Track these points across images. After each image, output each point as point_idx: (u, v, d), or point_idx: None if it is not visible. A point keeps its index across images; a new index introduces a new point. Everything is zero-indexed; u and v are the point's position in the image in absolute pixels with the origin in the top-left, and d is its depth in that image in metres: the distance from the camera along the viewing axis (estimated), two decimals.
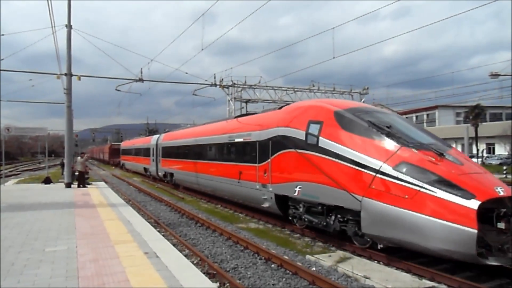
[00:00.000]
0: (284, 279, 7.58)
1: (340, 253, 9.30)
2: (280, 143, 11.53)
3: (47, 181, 22.89)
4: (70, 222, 10.50)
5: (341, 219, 9.45)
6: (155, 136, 30.99)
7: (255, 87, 33.77)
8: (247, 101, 33.98)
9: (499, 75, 28.85)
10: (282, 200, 11.76)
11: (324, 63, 20.26)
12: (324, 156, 9.50)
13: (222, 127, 17.07)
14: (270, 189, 12.09)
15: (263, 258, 9.04)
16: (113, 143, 66.47)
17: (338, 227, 9.56)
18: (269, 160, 12.10)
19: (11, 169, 49.84)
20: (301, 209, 10.83)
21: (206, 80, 26.27)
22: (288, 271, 8.03)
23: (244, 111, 32.52)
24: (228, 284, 7.17)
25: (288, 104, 14.60)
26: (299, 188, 10.50)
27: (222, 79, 28.63)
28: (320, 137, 9.72)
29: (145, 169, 33.51)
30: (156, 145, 29.04)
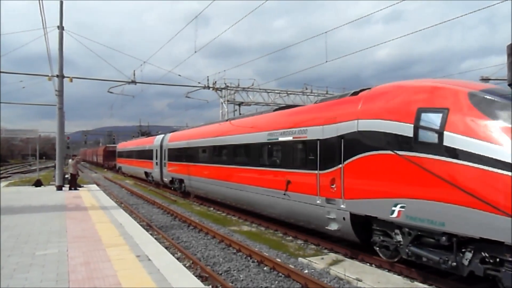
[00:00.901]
0: (276, 282, 7.58)
1: (332, 255, 9.33)
2: (360, 142, 8.29)
3: (38, 183, 22.66)
4: (61, 225, 10.40)
5: (488, 260, 6.22)
6: (159, 137, 27.33)
7: (248, 89, 33.78)
8: (240, 104, 34.03)
9: (490, 79, 29.22)
10: (361, 222, 8.51)
11: (317, 66, 20.25)
12: (455, 160, 6.39)
13: (257, 123, 13.64)
14: (342, 206, 8.70)
15: (255, 261, 9.03)
16: (107, 145, 63.50)
17: (482, 272, 6.27)
18: (340, 165, 8.74)
19: (1, 172, 49.23)
20: (400, 238, 7.57)
21: (199, 83, 26.23)
22: (280, 274, 8.02)
23: (237, 114, 32.53)
24: (220, 287, 7.14)
25: (330, 96, 11.91)
26: (401, 207, 7.22)
27: (215, 82, 28.61)
28: (446, 132, 6.61)
29: (146, 174, 30.15)
30: (161, 146, 25.42)
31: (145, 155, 30.04)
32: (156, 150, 26.34)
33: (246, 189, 13.37)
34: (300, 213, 10.55)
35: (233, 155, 14.86)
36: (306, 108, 12.09)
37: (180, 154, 21.33)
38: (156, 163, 26.29)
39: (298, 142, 10.64)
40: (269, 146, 12.30)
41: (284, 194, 10.94)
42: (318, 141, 9.63)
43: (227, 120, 17.91)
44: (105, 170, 55.32)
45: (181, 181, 21.44)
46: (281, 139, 11.45)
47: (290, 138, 11.00)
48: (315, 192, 9.62)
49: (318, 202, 9.56)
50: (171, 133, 25.24)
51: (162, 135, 26.62)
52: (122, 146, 45.39)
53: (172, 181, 23.31)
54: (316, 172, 9.63)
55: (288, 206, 10.99)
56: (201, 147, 18.24)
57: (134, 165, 35.00)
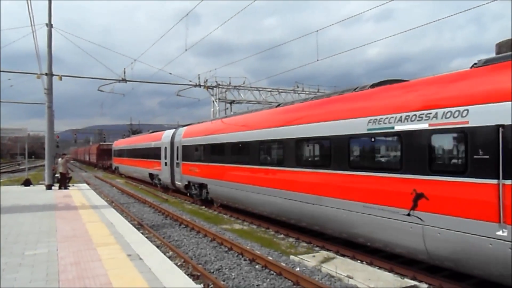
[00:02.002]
0: (268, 280, 7.60)
1: (324, 253, 9.37)
2: None
3: (27, 183, 22.39)
4: (51, 224, 10.29)
5: None
6: (168, 132, 23.21)
7: (239, 88, 33.75)
8: (231, 102, 33.99)
9: None
10: None
11: (308, 65, 20.29)
12: None
13: (348, 106, 9.09)
14: None
15: (247, 259, 9.04)
16: (101, 143, 58.17)
17: None
18: None
19: None
20: None
21: (190, 81, 26.18)
22: (272, 272, 8.05)
23: (228, 112, 32.50)
24: (212, 286, 7.15)
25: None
26: None
27: (207, 80, 28.54)
28: None
29: (152, 176, 26.04)
30: (171, 143, 21.35)
31: (149, 154, 25.95)
32: (165, 148, 22.19)
33: (322, 203, 9.25)
34: (456, 253, 6.37)
35: (296, 154, 10.53)
36: (446, 76, 7.23)
37: (202, 153, 16.93)
38: (165, 163, 22.14)
39: (445, 130, 6.56)
40: (372, 138, 8.07)
41: (409, 215, 7.01)
42: (502, 129, 5.70)
43: (278, 106, 13.15)
44: (95, 169, 54.67)
45: (202, 186, 17.06)
46: (403, 127, 7.28)
47: (423, 125, 6.91)
48: (493, 217, 5.73)
49: (498, 233, 5.68)
50: (186, 127, 20.40)
51: (173, 130, 22.43)
52: (120, 144, 40.20)
53: (188, 186, 18.85)
54: (494, 181, 5.75)
55: (419, 239, 6.86)
56: (238, 143, 13.81)
57: (135, 165, 30.55)
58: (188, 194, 19.40)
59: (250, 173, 12.79)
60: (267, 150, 12.35)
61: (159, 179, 24.15)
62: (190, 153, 18.39)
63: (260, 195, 12.08)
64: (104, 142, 61.10)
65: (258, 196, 12.23)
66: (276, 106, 13.17)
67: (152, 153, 25.15)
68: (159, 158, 23.37)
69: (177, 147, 20.27)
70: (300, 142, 10.49)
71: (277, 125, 11.59)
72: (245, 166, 13.14)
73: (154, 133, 27.45)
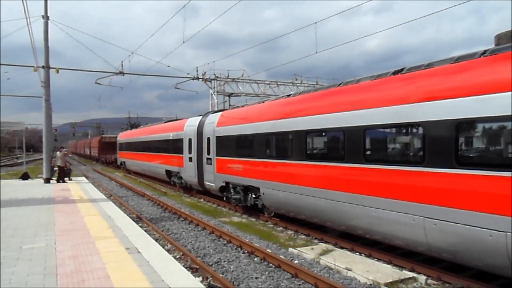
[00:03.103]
0: (267, 272, 7.60)
1: (322, 245, 9.38)
2: None
3: (25, 176, 22.35)
4: (49, 218, 10.27)
5: None
6: (193, 120, 18.64)
7: (238, 80, 33.59)
8: (230, 95, 33.86)
9: None
10: None
11: (307, 57, 20.20)
12: None
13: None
14: None
15: (246, 251, 9.04)
16: (104, 135, 54.51)
17: None
18: None
19: None
20: None
21: (188, 74, 26.02)
22: (271, 264, 8.05)
23: (227, 105, 32.39)
24: (211, 278, 7.14)
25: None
26: None
27: (205, 73, 28.36)
28: None
29: (169, 173, 21.99)
30: (199, 134, 17.05)
31: (167, 147, 21.94)
32: (190, 139, 18.19)
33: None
34: None
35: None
36: None
37: (251, 145, 12.78)
38: (190, 158, 18.06)
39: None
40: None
41: None
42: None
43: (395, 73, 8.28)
44: (94, 162, 54.44)
45: (248, 189, 13.14)
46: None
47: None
48: None
49: None
50: (221, 113, 16.13)
51: (198, 118, 18.20)
52: (127, 136, 35.67)
53: (224, 188, 14.86)
54: None
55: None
56: (321, 131, 9.65)
57: (147, 160, 26.21)
58: (224, 199, 15.22)
59: (342, 174, 8.67)
60: (382, 141, 8.29)
61: (180, 178, 19.99)
62: (229, 145, 14.17)
63: (363, 208, 8.02)
64: (103, 135, 59.15)
65: (357, 210, 8.18)
66: (393, 73, 8.30)
67: (171, 146, 21.06)
68: (180, 152, 19.24)
69: (208, 138, 16.00)
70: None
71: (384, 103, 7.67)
72: (332, 164, 9.04)
73: (173, 122, 23.30)
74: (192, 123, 18.51)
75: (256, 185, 12.35)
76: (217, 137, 15.24)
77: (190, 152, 18.12)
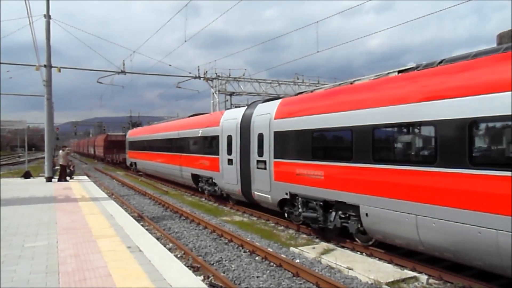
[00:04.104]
0: (268, 271, 7.61)
1: (323, 244, 9.38)
2: None
3: (27, 175, 22.39)
4: (51, 216, 10.29)
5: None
6: (233, 112, 15.13)
7: (239, 79, 33.58)
8: (231, 94, 33.86)
9: None
10: None
11: (308, 56, 20.15)
12: None
13: None
14: None
15: (247, 250, 9.05)
16: (109, 133, 51.74)
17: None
18: None
19: None
20: None
21: (190, 73, 26.05)
22: (272, 263, 8.06)
23: (228, 104, 32.41)
24: (212, 277, 7.16)
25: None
26: None
27: (206, 72, 28.38)
28: None
29: (197, 178, 18.09)
30: (244, 129, 13.34)
31: (195, 146, 18.20)
32: (229, 136, 14.36)
33: None
34: None
35: None
36: None
37: (347, 144, 8.88)
38: (230, 160, 14.31)
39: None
40: None
41: None
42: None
43: None
44: (95, 161, 54.37)
45: (330, 205, 9.53)
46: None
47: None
48: None
49: None
50: (280, 101, 12.09)
51: (240, 109, 14.44)
52: (138, 133, 31.73)
53: (286, 201, 11.25)
54: None
55: None
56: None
57: (166, 162, 22.47)
58: (286, 215, 11.54)
59: None
60: None
61: (213, 184, 16.20)
62: (299, 144, 10.48)
63: None
64: (108, 133, 57.85)
65: None
66: None
67: (200, 145, 17.45)
68: (215, 152, 15.57)
69: (260, 135, 12.26)
70: None
71: None
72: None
73: (203, 116, 19.52)
74: (232, 116, 14.71)
75: (351, 202, 8.55)
76: (276, 133, 11.42)
77: (229, 152, 14.26)
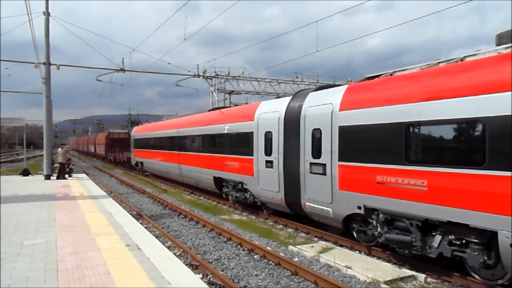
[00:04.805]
0: (267, 270, 7.62)
1: (322, 243, 9.40)
2: None
3: (26, 173, 22.37)
4: (50, 214, 10.29)
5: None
6: (274, 103, 12.48)
7: (238, 78, 33.55)
8: (230, 92, 33.85)
9: None
10: None
11: (307, 56, 20.12)
12: None
13: None
14: None
15: (246, 249, 9.06)
16: (111, 131, 48.16)
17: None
18: None
19: None
20: None
21: (189, 71, 25.99)
22: (271, 262, 8.07)
23: (227, 103, 32.39)
24: (211, 275, 7.16)
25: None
26: None
27: (206, 70, 28.36)
28: None
29: (220, 181, 15.51)
30: (290, 124, 10.97)
31: (219, 144, 15.60)
32: (269, 134, 11.88)
33: None
34: None
35: None
36: None
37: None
38: (269, 162, 11.79)
39: None
40: None
41: None
42: None
43: None
44: (94, 159, 54.19)
45: (433, 226, 7.09)
46: None
47: None
48: None
49: None
50: (345, 87, 9.51)
51: (284, 100, 11.98)
52: (145, 130, 28.91)
53: (356, 217, 8.81)
54: None
55: None
56: None
57: (181, 162, 19.84)
58: (355, 234, 8.98)
59: None
60: None
61: (244, 190, 13.47)
62: (382, 142, 7.85)
63: None
64: (110, 130, 56.48)
65: None
66: None
67: (227, 144, 14.78)
68: (247, 152, 13.04)
69: (316, 131, 9.76)
70: None
71: None
72: None
73: (229, 109, 16.85)
74: (271, 108, 12.17)
75: (478, 224, 6.16)
76: (342, 128, 8.84)
77: (268, 152, 11.83)
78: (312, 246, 9.07)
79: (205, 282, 6.63)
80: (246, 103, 13.91)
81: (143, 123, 37.01)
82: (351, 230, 9.04)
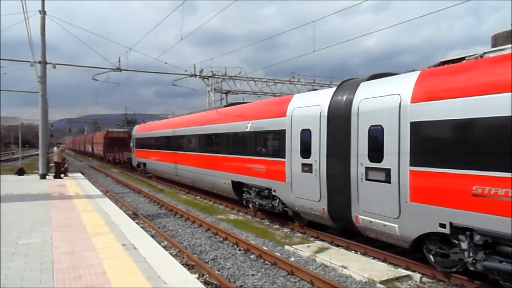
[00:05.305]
0: (263, 270, 7.63)
1: (318, 243, 9.42)
2: None
3: (21, 172, 22.26)
4: (45, 214, 10.25)
5: None
6: (312, 96, 10.51)
7: (235, 78, 33.56)
8: (227, 92, 33.85)
9: None
10: None
11: (304, 56, 20.10)
12: None
13: None
14: None
15: (242, 249, 9.07)
16: (110, 130, 46.26)
17: None
18: None
19: None
20: None
21: (186, 71, 25.95)
22: (267, 262, 8.08)
23: (224, 102, 32.36)
24: (207, 275, 7.16)
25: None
26: None
27: (202, 70, 28.34)
28: None
29: (240, 187, 13.54)
30: (335, 120, 9.17)
31: (240, 143, 13.46)
32: (307, 131, 10.07)
33: None
34: None
35: None
36: None
37: None
38: (307, 166, 10.01)
39: None
40: None
41: None
42: None
43: None
44: (90, 158, 54.00)
45: None
46: None
47: None
48: None
49: None
50: (419, 73, 7.55)
51: (325, 91, 10.29)
52: (149, 128, 26.85)
53: (443, 238, 6.84)
54: None
55: None
56: None
57: (192, 164, 17.80)
58: (432, 259, 7.22)
59: None
60: None
61: (272, 197, 11.53)
62: (486, 141, 6.06)
63: None
64: (99, 130, 55.94)
65: None
66: None
67: (248, 143, 12.83)
68: (275, 152, 11.28)
69: (374, 129, 8.07)
70: None
71: None
72: None
73: (253, 104, 15.00)
74: (308, 102, 10.29)
75: None
76: (418, 124, 7.10)
77: (306, 154, 9.98)
78: (308, 246, 9.08)
79: (201, 282, 6.62)
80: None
81: (139, 122, 36.84)
82: (425, 253, 7.29)
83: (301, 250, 8.75)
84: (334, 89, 9.74)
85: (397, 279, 7.02)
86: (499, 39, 7.17)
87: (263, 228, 11.46)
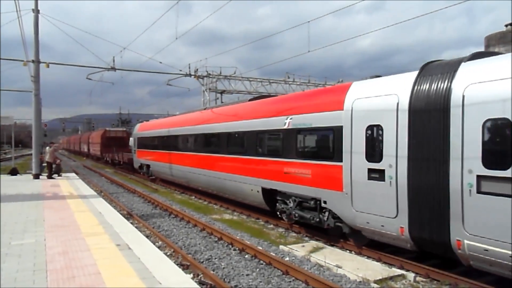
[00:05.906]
0: (258, 269, 7.63)
1: (313, 243, 9.44)
2: None
3: (14, 172, 22.09)
4: (38, 214, 10.18)
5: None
6: (391, 80, 8.07)
7: (230, 78, 33.55)
8: (222, 92, 33.81)
9: None
10: None
11: (299, 56, 20.09)
12: None
13: None
14: None
15: (237, 249, 9.07)
16: (107, 129, 44.26)
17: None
18: None
19: None
20: None
21: (180, 70, 25.90)
22: (262, 262, 8.09)
23: (219, 102, 32.35)
24: (202, 275, 7.15)
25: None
26: None
27: (197, 70, 28.32)
28: None
29: (273, 195, 11.34)
30: (436, 112, 6.68)
31: (274, 143, 11.46)
32: (374, 127, 8.00)
33: None
34: None
35: None
36: None
37: None
38: (377, 172, 7.82)
39: None
40: None
41: None
42: None
43: None
44: (84, 158, 53.64)
45: None
46: None
47: None
48: None
49: None
50: None
51: (404, 76, 7.78)
52: (153, 127, 24.32)
53: None
54: None
55: None
56: None
57: (209, 167, 15.27)
58: None
59: None
60: None
61: (321, 210, 9.47)
62: None
63: None
64: (93, 130, 55.02)
65: None
66: None
67: (286, 143, 10.63)
68: (326, 155, 9.22)
69: (493, 124, 5.99)
70: None
71: None
72: None
73: (292, 95, 13.41)
74: (378, 90, 8.14)
75: None
76: None
77: (374, 157, 7.95)
78: (303, 246, 9.10)
79: (196, 281, 6.61)
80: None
81: (134, 122, 36.56)
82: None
83: (296, 250, 8.77)
84: (414, 73, 7.53)
85: (391, 278, 7.05)
86: (492, 40, 7.24)
87: (258, 228, 11.46)
